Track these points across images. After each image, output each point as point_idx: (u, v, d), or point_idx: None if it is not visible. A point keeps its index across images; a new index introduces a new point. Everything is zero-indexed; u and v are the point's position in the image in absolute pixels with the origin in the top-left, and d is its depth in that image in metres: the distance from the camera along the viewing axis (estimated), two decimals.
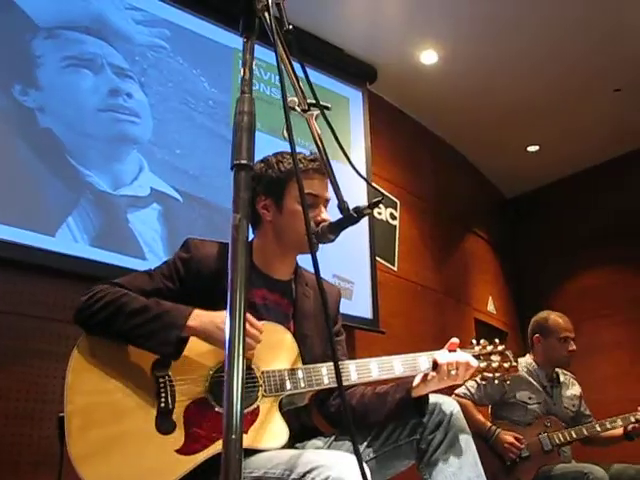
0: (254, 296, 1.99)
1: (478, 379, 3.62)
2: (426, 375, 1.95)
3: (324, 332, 2.10)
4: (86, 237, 3.65)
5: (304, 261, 2.15)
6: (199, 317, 1.79)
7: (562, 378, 3.86)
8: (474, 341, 2.15)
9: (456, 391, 3.71)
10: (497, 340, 2.18)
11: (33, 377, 3.26)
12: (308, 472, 1.55)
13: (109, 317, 1.80)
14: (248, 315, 1.72)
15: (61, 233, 3.56)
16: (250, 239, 2.04)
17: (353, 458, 1.58)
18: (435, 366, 1.94)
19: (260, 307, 2.00)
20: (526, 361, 3.80)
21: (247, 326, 1.71)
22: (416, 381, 1.96)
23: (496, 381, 2.16)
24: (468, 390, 3.69)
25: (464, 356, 1.98)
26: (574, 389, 3.90)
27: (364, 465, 1.35)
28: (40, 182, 3.57)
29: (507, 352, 2.16)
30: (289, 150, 2.03)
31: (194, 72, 4.47)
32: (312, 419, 2.11)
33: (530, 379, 3.74)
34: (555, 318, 3.79)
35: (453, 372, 1.93)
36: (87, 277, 3.37)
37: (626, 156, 7.05)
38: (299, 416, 1.99)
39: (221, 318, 1.76)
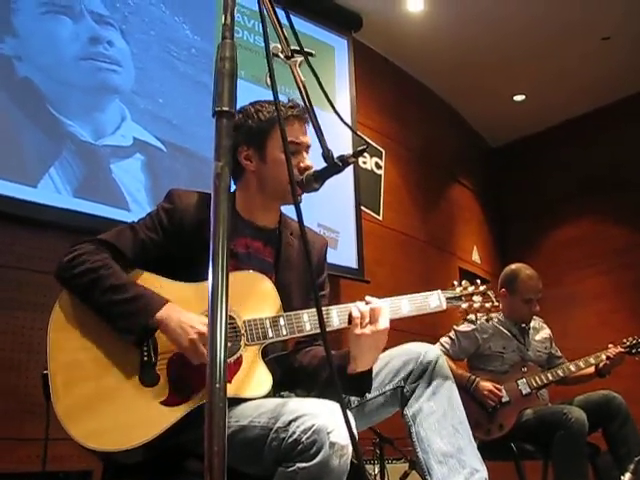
0: (237, 245, 1.98)
1: (452, 335, 3.71)
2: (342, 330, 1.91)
3: (306, 282, 2.09)
4: (69, 188, 3.61)
5: (290, 209, 2.11)
6: (170, 311, 1.76)
7: (532, 323, 3.92)
8: (455, 282, 2.15)
9: None
10: (478, 281, 2.18)
11: (18, 328, 3.26)
12: (293, 420, 1.56)
13: (85, 286, 1.79)
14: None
15: (43, 184, 3.52)
16: (233, 190, 2.01)
17: (337, 406, 1.59)
18: (349, 320, 1.89)
19: (242, 256, 1.98)
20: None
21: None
22: (350, 345, 1.89)
23: (479, 321, 2.18)
24: (443, 346, 3.74)
25: (378, 303, 1.90)
26: (544, 332, 3.99)
27: (348, 413, 1.36)
28: (20, 132, 3.51)
29: (489, 292, 2.15)
30: (267, 99, 2.04)
31: (176, 19, 4.38)
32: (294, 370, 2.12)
33: (501, 329, 3.80)
34: (524, 278, 3.79)
35: (366, 320, 1.85)
36: (70, 228, 3.37)
37: (613, 106, 7.03)
38: (282, 364, 2.00)
39: (187, 319, 1.74)
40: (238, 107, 1.20)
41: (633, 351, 3.68)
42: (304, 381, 2.03)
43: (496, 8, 5.61)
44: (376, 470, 3.75)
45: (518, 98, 7.08)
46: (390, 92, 6.27)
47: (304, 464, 1.52)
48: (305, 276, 2.10)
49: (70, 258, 1.83)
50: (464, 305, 2.10)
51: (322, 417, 1.54)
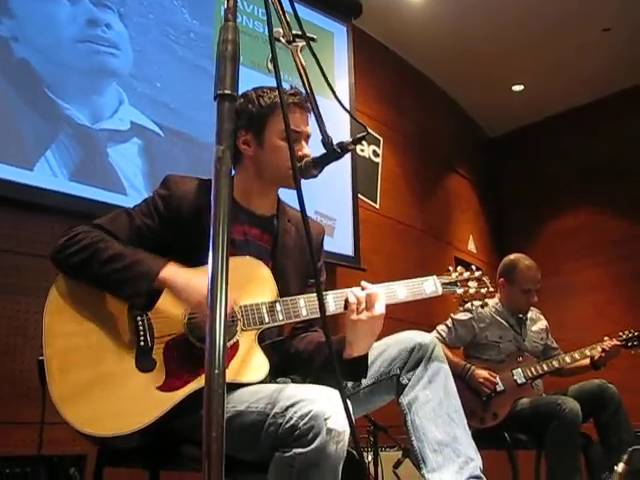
0: (234, 232, 1.97)
1: (449, 323, 3.72)
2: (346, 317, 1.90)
3: (303, 269, 2.10)
4: (65, 171, 3.59)
5: (287, 196, 2.12)
6: (173, 270, 1.78)
7: (529, 314, 3.93)
8: (451, 268, 2.15)
9: None
10: (474, 267, 2.18)
11: (13, 312, 3.25)
12: (290, 406, 1.56)
13: (84, 261, 1.78)
14: None
15: (40, 167, 3.50)
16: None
17: (335, 392, 1.60)
18: (346, 305, 1.90)
19: (240, 243, 1.98)
20: (493, 301, 3.84)
21: None
22: (346, 330, 1.90)
23: (474, 307, 2.17)
24: (439, 334, 3.75)
25: (374, 288, 1.91)
26: (540, 323, 3.99)
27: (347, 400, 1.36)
28: (17, 115, 3.49)
29: (484, 278, 2.16)
30: (269, 85, 2.03)
31: (175, 3, 4.35)
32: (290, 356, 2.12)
33: (499, 318, 3.80)
34: (523, 269, 3.79)
35: (362, 306, 1.85)
36: (66, 212, 3.35)
37: (612, 97, 7.02)
38: (277, 350, 2.00)
39: (194, 277, 1.76)
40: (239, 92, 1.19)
41: (629, 344, 3.69)
42: (300, 367, 2.03)
43: None
44: (369, 457, 3.76)
45: (517, 88, 7.07)
46: (389, 80, 6.25)
47: (301, 450, 1.52)
48: (302, 263, 2.10)
49: (65, 239, 1.83)
50: (460, 290, 2.10)
51: (320, 403, 1.54)
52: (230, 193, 0.99)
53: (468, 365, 3.64)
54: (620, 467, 2.96)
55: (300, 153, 1.95)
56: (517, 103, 7.27)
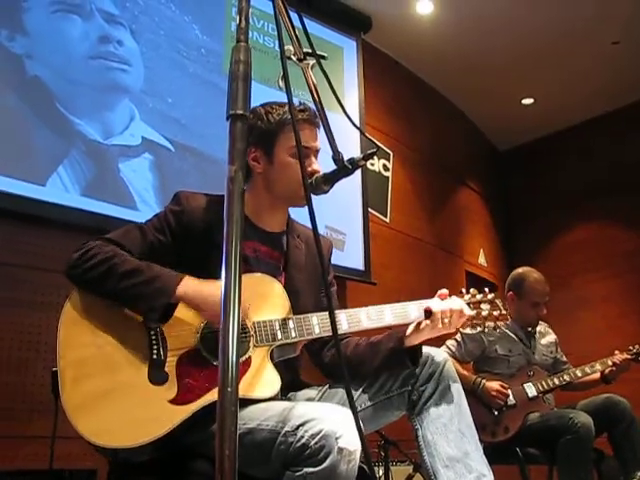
0: (245, 249, 1.98)
1: (458, 337, 3.70)
2: (419, 324, 1.95)
3: (315, 284, 2.11)
4: (77, 187, 3.62)
5: (296, 212, 2.14)
6: (189, 285, 1.78)
7: (538, 328, 3.91)
8: (464, 290, 2.15)
9: None
10: (487, 289, 2.18)
11: (25, 327, 3.27)
12: (301, 425, 1.56)
13: (99, 277, 1.79)
14: None
15: (52, 182, 3.54)
16: None
17: (345, 411, 1.60)
18: (429, 314, 1.94)
19: (251, 259, 1.99)
20: None
21: None
22: (409, 330, 1.96)
23: (486, 329, 2.17)
24: (449, 349, 3.73)
25: (457, 303, 1.98)
26: (550, 337, 3.97)
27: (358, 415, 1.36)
28: (30, 131, 3.53)
29: (497, 300, 2.15)
30: (277, 101, 2.05)
31: (186, 19, 4.39)
32: (300, 374, 2.12)
33: (508, 332, 3.79)
34: (532, 282, 3.79)
35: (447, 320, 1.93)
36: (78, 227, 3.38)
37: (621, 110, 7.01)
38: (290, 367, 1.99)
39: (209, 289, 1.77)
40: None
41: (639, 358, 3.67)
42: (351, 370, 2.01)
43: (505, 11, 5.61)
44: (380, 472, 3.76)
45: (526, 101, 7.07)
46: (399, 94, 6.27)
47: (312, 469, 1.51)
48: (314, 278, 2.12)
49: (80, 254, 1.83)
50: (472, 313, 2.09)
51: (330, 422, 1.54)
52: (242, 212, 1.00)
53: (479, 379, 3.62)
54: None
55: (310, 169, 1.96)
56: (527, 116, 7.27)
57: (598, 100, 6.89)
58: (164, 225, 1.94)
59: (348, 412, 1.60)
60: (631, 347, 3.71)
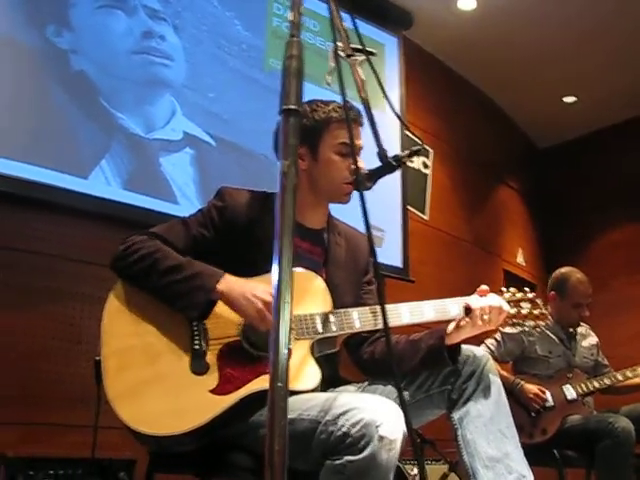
0: None
1: (498, 337, 3.67)
2: (459, 322, 1.95)
3: (354, 282, 2.13)
4: (119, 180, 3.66)
5: (337, 211, 2.17)
6: (230, 283, 1.80)
7: (579, 329, 3.86)
8: (503, 289, 2.14)
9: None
10: (527, 288, 2.17)
11: (68, 318, 3.31)
12: (342, 414, 1.57)
13: (142, 272, 1.83)
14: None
15: (94, 176, 3.57)
16: None
17: (387, 401, 1.62)
18: (468, 311, 1.93)
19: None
20: None
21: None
22: (449, 328, 1.96)
23: (526, 329, 2.16)
24: (488, 348, 3.70)
25: (497, 300, 1.97)
26: (591, 339, 3.93)
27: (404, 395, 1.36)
28: (73, 124, 3.57)
29: (537, 300, 2.14)
30: (324, 99, 2.05)
31: (227, 15, 4.41)
32: (339, 370, 2.13)
33: (548, 333, 3.75)
34: (575, 282, 3.74)
35: (486, 317, 1.92)
36: (120, 220, 3.41)
37: None
38: (330, 363, 2.00)
39: (250, 289, 1.78)
40: None
41: None
42: (395, 365, 2.00)
43: (548, 9, 5.52)
44: (415, 471, 3.74)
45: (568, 99, 6.96)
46: (439, 91, 6.23)
47: (352, 457, 1.52)
48: (355, 275, 2.14)
49: (125, 247, 1.89)
50: (512, 311, 2.08)
51: (371, 411, 1.55)
52: (294, 207, 1.01)
53: (517, 380, 3.60)
54: None
55: (353, 167, 1.97)
56: (568, 114, 7.17)
57: None
58: (207, 220, 1.97)
59: (390, 402, 1.62)
60: None
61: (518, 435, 1.95)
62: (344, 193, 2.04)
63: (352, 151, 1.24)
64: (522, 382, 3.58)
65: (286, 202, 0.99)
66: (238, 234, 1.94)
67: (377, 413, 1.54)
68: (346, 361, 2.17)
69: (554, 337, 3.74)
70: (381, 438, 1.51)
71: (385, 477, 1.54)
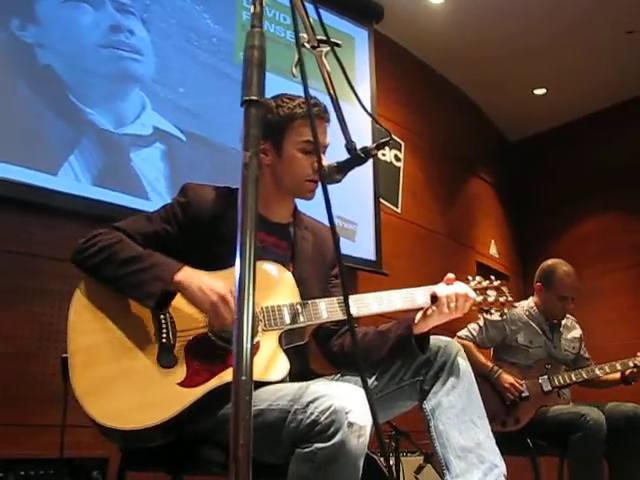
0: None
1: (480, 322, 3.69)
2: (426, 311, 1.96)
3: (322, 274, 2.13)
4: (88, 176, 3.63)
5: (304, 206, 2.17)
6: (188, 274, 1.79)
7: (564, 322, 3.87)
8: (470, 277, 2.15)
9: (458, 333, 3.75)
10: (493, 276, 2.18)
11: (37, 316, 3.28)
12: (311, 402, 1.57)
13: (101, 262, 1.82)
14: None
15: (63, 172, 3.54)
16: None
17: (356, 388, 1.63)
18: (435, 300, 1.94)
19: (259, 249, 1.99)
20: (528, 304, 3.82)
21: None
22: (417, 317, 1.97)
23: (493, 316, 2.17)
24: (470, 333, 3.72)
25: (463, 288, 1.97)
26: (575, 332, 3.93)
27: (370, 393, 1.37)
28: (41, 120, 3.52)
29: (503, 287, 2.15)
30: (288, 93, 2.05)
31: (197, 8, 4.38)
32: (310, 363, 2.12)
33: (531, 322, 3.76)
34: (561, 275, 3.74)
35: (452, 304, 1.92)
36: (90, 217, 3.38)
37: (634, 101, 6.94)
38: (299, 355, 2.00)
39: (208, 281, 1.77)
40: None
41: None
42: (362, 357, 2.01)
43: (518, 2, 5.56)
44: (391, 462, 3.75)
45: (538, 92, 7.01)
46: (410, 84, 6.24)
47: (322, 444, 1.52)
48: (322, 269, 2.14)
49: (85, 240, 1.88)
50: (478, 298, 2.09)
51: (341, 398, 1.55)
52: (257, 199, 1.00)
53: (496, 368, 3.61)
54: None
55: (317, 165, 1.97)
56: (539, 107, 7.22)
57: (611, 90, 6.81)
58: (171, 216, 1.96)
59: (359, 389, 1.62)
60: None
61: (491, 423, 1.97)
62: (308, 190, 2.04)
63: (316, 148, 1.23)
64: (500, 370, 3.59)
65: (248, 193, 0.98)
66: (202, 230, 1.93)
67: (346, 400, 1.55)
68: (316, 354, 2.16)
69: (537, 328, 3.75)
70: (350, 424, 1.51)
71: (355, 463, 1.55)
